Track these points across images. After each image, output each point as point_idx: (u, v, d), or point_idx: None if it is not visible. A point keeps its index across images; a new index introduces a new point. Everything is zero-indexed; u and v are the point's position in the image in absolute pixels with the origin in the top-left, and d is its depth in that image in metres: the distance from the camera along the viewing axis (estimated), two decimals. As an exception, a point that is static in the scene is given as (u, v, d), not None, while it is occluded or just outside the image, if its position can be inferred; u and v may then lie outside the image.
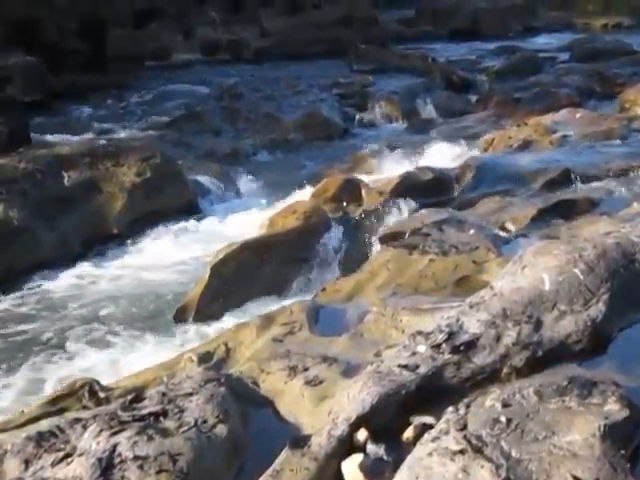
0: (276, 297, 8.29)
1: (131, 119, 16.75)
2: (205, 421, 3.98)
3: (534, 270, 4.44)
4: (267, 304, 7.92)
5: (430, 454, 3.35)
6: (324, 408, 4.12)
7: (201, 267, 8.97)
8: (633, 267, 4.47)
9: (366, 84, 19.72)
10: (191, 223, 11.23)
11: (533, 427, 3.38)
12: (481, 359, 3.97)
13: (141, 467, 3.70)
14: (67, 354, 7.87)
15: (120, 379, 5.41)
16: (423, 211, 8.49)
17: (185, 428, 3.93)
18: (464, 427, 3.45)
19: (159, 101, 18.51)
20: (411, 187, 9.54)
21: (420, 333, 4.27)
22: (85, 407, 4.83)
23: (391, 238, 7.64)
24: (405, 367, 3.98)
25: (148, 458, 3.74)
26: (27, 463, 3.94)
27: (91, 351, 7.85)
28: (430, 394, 3.87)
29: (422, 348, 4.11)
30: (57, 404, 4.92)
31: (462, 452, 3.29)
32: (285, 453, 3.77)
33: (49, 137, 14.41)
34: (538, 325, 4.09)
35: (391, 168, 11.89)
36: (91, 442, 3.90)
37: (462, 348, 4.03)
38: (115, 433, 3.92)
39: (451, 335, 4.11)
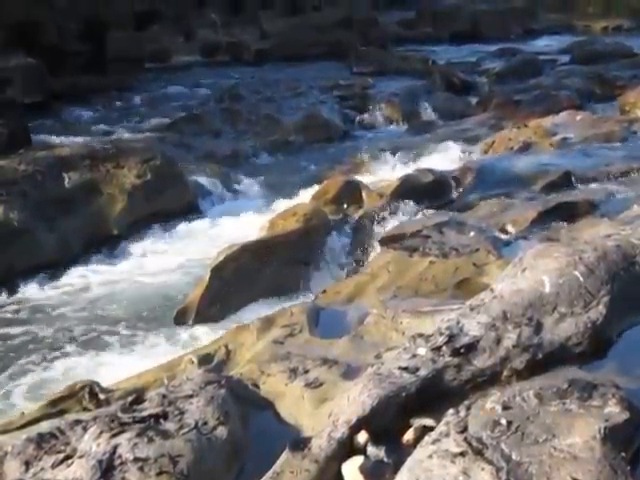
0: (276, 299, 8.29)
1: (131, 121, 16.75)
2: (205, 423, 3.98)
3: (534, 272, 4.44)
4: (267, 306, 7.92)
5: (430, 456, 3.36)
6: (324, 410, 4.12)
7: (201, 269, 8.97)
8: (633, 269, 4.47)
9: (366, 86, 19.72)
10: (191, 225, 11.22)
11: (533, 429, 3.39)
12: (481, 361, 3.97)
13: (141, 469, 3.70)
14: (67, 355, 7.87)
15: (120, 381, 5.41)
16: (423, 213, 8.51)
17: (185, 430, 3.93)
18: (464, 429, 3.45)
19: (159, 103, 18.52)
20: (411, 189, 9.54)
21: (420, 335, 4.28)
22: (85, 409, 4.83)
23: (391, 240, 7.64)
24: (405, 369, 3.99)
25: (148, 460, 3.74)
26: (27, 465, 3.95)
27: (91, 353, 7.85)
28: (430, 396, 3.87)
29: (422, 350, 4.11)
30: (57, 406, 4.92)
31: (462, 454, 3.29)
32: (285, 455, 3.77)
33: (49, 139, 14.39)
34: (538, 327, 4.09)
35: (391, 170, 11.91)
36: (91, 444, 3.90)
37: (462, 350, 4.03)
38: (115, 435, 3.92)
39: (451, 337, 4.11)
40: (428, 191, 9.57)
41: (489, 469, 3.20)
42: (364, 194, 9.93)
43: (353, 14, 26.79)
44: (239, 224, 10.87)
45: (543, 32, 29.64)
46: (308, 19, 26.61)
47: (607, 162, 10.16)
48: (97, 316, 8.77)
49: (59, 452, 3.96)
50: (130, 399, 4.32)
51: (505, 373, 3.93)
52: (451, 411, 3.62)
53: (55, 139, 14.41)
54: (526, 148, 11.85)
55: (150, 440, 3.85)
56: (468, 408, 3.62)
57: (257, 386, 4.64)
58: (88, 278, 9.84)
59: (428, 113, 17.43)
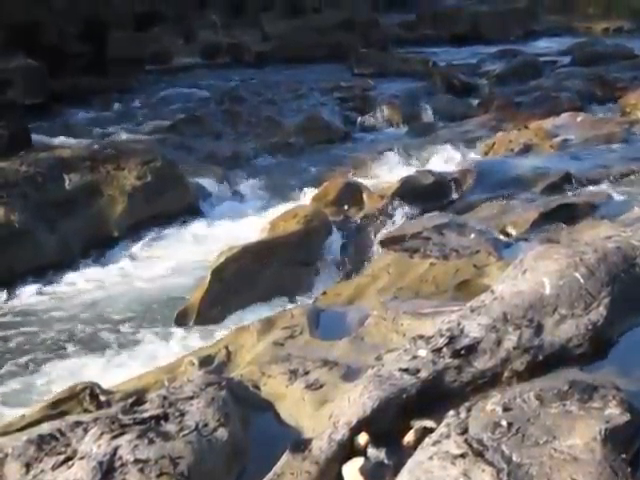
0: (277, 301, 8.30)
1: (132, 122, 16.75)
2: (206, 424, 3.98)
3: (535, 274, 4.44)
4: (268, 308, 7.94)
5: (431, 458, 3.36)
6: (325, 412, 4.12)
7: (202, 271, 8.97)
8: (634, 271, 4.47)
9: (367, 88, 19.72)
10: (192, 226, 11.23)
11: (534, 431, 3.39)
12: (482, 363, 3.97)
13: (142, 470, 3.70)
14: (67, 357, 7.87)
15: (121, 382, 5.41)
16: (424, 215, 8.51)
17: (186, 431, 3.93)
18: (465, 431, 3.45)
19: (160, 104, 18.53)
20: (412, 191, 9.55)
21: (421, 337, 4.28)
22: (86, 410, 4.83)
23: (392, 242, 7.65)
24: (406, 371, 3.98)
25: (149, 461, 3.74)
26: (28, 466, 3.94)
27: (91, 354, 7.85)
28: (431, 398, 3.87)
29: (423, 352, 4.11)
30: (58, 407, 4.92)
31: (463, 456, 3.29)
32: (286, 457, 3.77)
33: (50, 140, 14.40)
34: (539, 329, 4.09)
35: (392, 172, 11.90)
36: (92, 445, 3.90)
37: (463, 352, 4.03)
38: (116, 436, 3.92)
39: (452, 339, 4.11)
40: (428, 193, 9.58)
41: (489, 470, 3.20)
42: (365, 196, 9.93)
43: (354, 16, 26.77)
44: (240, 226, 10.88)
45: (543, 33, 29.63)
46: (309, 21, 26.61)
47: (608, 164, 10.18)
48: (97, 317, 8.77)
49: (60, 454, 3.96)
50: (131, 401, 4.32)
51: (506, 374, 3.93)
52: (451, 413, 3.62)
53: (55, 140, 14.42)
54: (527, 150, 11.86)
55: (151, 442, 3.85)
56: (469, 410, 3.62)
57: (257, 388, 4.63)
58: (88, 279, 9.84)
59: (429, 115, 17.42)
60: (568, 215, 8.03)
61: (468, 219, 8.07)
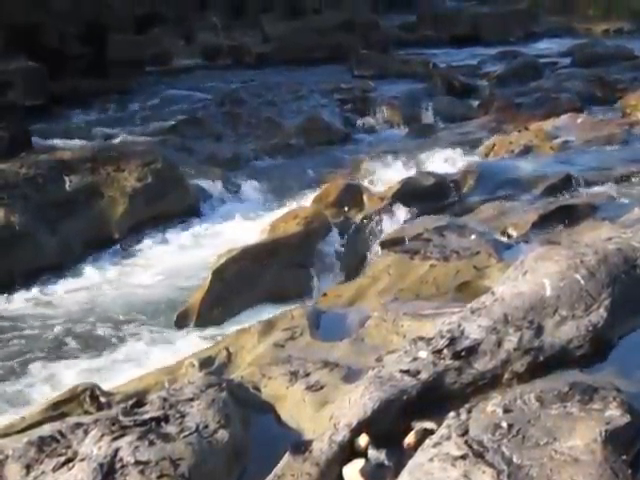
0: (277, 302, 8.29)
1: (132, 124, 16.74)
2: (206, 426, 3.98)
3: (535, 275, 4.44)
4: (268, 309, 7.93)
5: (431, 459, 3.35)
6: (325, 413, 4.12)
7: (202, 272, 8.98)
8: (634, 273, 4.47)
9: (367, 89, 19.69)
10: (192, 228, 11.24)
11: (534, 432, 3.38)
12: (482, 364, 3.97)
13: (142, 472, 3.70)
14: (67, 358, 7.88)
15: (121, 384, 5.41)
16: (424, 216, 8.50)
17: (186, 433, 3.93)
18: (465, 432, 3.45)
19: (160, 106, 18.51)
20: (412, 192, 9.55)
21: (421, 338, 4.27)
22: (86, 412, 4.83)
23: (392, 243, 7.65)
24: (406, 372, 3.98)
25: (149, 463, 3.74)
26: (28, 468, 3.95)
27: (92, 355, 7.86)
28: (431, 399, 3.87)
29: (423, 353, 4.11)
30: (58, 409, 4.92)
31: (463, 457, 3.29)
32: (286, 458, 3.77)
33: (50, 142, 14.39)
34: (539, 330, 4.09)
35: (392, 173, 11.90)
36: (92, 447, 3.90)
37: (463, 354, 4.03)
38: (116, 438, 3.92)
39: (452, 340, 4.11)
40: (429, 194, 9.58)
41: (490, 472, 3.20)
42: (365, 197, 9.94)
43: (354, 17, 26.76)
44: (240, 227, 10.89)
45: (544, 35, 29.62)
46: (309, 22, 26.58)
47: (608, 165, 10.18)
48: (97, 319, 8.77)
49: (60, 455, 3.96)
50: (131, 402, 4.32)
51: (506, 376, 3.93)
52: (452, 414, 3.62)
53: (56, 142, 14.40)
54: (527, 151, 11.86)
55: (151, 443, 3.85)
56: (469, 411, 3.62)
57: (258, 389, 4.64)
58: (89, 281, 9.85)
59: (429, 116, 17.43)
60: (568, 216, 8.02)
61: (468, 220, 8.07)
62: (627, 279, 4.40)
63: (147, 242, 10.83)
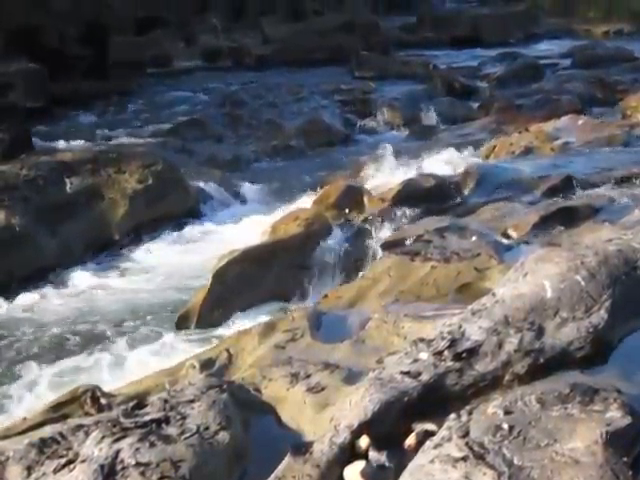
0: (278, 304, 8.30)
1: (133, 126, 16.75)
2: (207, 428, 3.98)
3: (536, 277, 4.44)
4: (269, 311, 7.94)
5: (432, 461, 3.35)
6: (326, 415, 4.12)
7: (203, 274, 8.98)
8: (635, 274, 4.47)
9: (368, 91, 19.70)
10: (193, 229, 11.24)
11: (535, 434, 3.38)
12: (483, 366, 3.97)
13: (143, 474, 3.70)
14: (68, 360, 7.88)
15: (122, 386, 5.41)
16: (425, 218, 8.50)
17: (187, 435, 3.93)
18: (466, 434, 3.45)
19: (161, 108, 18.52)
20: (413, 194, 9.54)
21: (422, 340, 4.27)
22: (87, 413, 4.84)
23: (393, 245, 7.65)
24: (407, 374, 3.99)
25: (150, 464, 3.74)
26: (29, 470, 3.95)
27: (92, 357, 7.85)
28: (432, 401, 3.87)
29: (424, 355, 4.11)
30: (59, 410, 4.92)
31: (464, 459, 3.29)
32: (287, 460, 3.77)
33: (51, 144, 14.41)
34: (540, 332, 4.09)
35: (393, 175, 11.89)
36: (93, 448, 3.90)
37: (464, 355, 4.03)
38: (117, 439, 3.92)
39: (453, 342, 4.11)
40: (429, 196, 9.57)
41: (491, 474, 3.19)
42: (365, 199, 9.93)
43: (354, 19, 26.76)
44: (241, 229, 10.89)
45: (544, 36, 29.60)
46: (310, 24, 26.59)
47: (608, 166, 10.16)
48: (98, 320, 8.78)
49: (61, 457, 3.96)
50: (132, 404, 4.32)
51: (507, 378, 3.93)
52: (453, 416, 3.62)
53: (57, 144, 14.42)
54: (527, 152, 11.85)
55: (152, 445, 3.86)
56: (470, 413, 3.62)
57: (259, 391, 4.64)
58: (89, 283, 9.85)
59: (429, 118, 17.42)
60: (569, 218, 8.01)
61: (469, 222, 8.06)
62: (628, 280, 4.40)
63: (147, 244, 10.84)
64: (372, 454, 3.70)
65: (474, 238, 7.28)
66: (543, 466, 3.21)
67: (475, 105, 18.26)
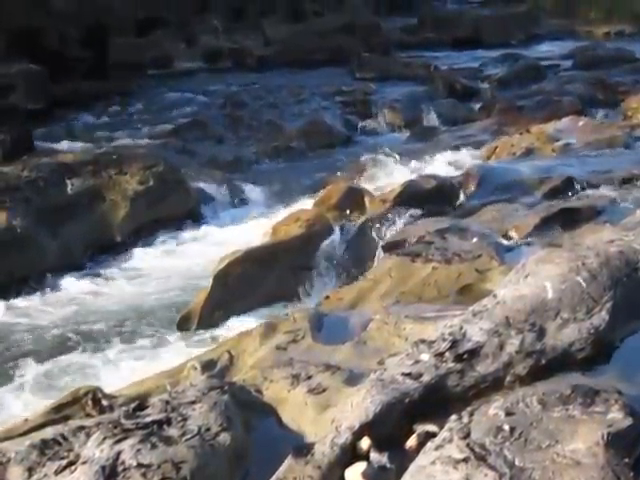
0: (279, 305, 8.30)
1: (133, 127, 16.73)
2: (208, 429, 3.98)
3: (537, 278, 4.44)
4: (270, 312, 7.94)
5: (433, 462, 3.36)
6: (327, 416, 4.12)
7: (204, 275, 8.98)
8: (636, 275, 4.47)
9: (369, 92, 19.68)
10: (194, 231, 11.24)
11: (536, 435, 3.38)
12: (484, 367, 3.97)
13: (144, 475, 3.70)
14: (68, 361, 7.88)
15: (123, 387, 5.41)
16: (426, 219, 8.50)
17: (188, 436, 3.93)
18: (467, 435, 3.45)
19: (161, 109, 18.50)
20: (414, 195, 9.53)
21: (423, 341, 4.27)
22: (88, 415, 4.84)
23: (394, 246, 7.65)
24: (408, 375, 3.99)
25: (151, 466, 3.74)
26: (30, 471, 3.95)
27: (93, 358, 7.85)
28: (433, 402, 3.87)
29: (425, 356, 4.11)
30: (60, 412, 4.92)
31: (465, 460, 3.29)
32: (288, 461, 3.77)
33: (52, 145, 14.40)
34: (541, 333, 4.09)
35: (394, 176, 11.90)
36: (94, 450, 3.90)
37: (465, 356, 4.03)
38: (118, 441, 3.92)
39: (454, 343, 4.11)
40: (431, 197, 9.57)
41: (492, 475, 3.20)
42: (366, 200, 9.93)
43: (355, 20, 26.74)
44: (242, 230, 10.89)
45: (545, 37, 29.57)
46: (310, 25, 26.56)
47: (610, 168, 10.15)
48: (99, 322, 8.77)
49: (62, 458, 3.96)
50: (133, 405, 4.32)
51: (508, 379, 3.93)
52: (454, 417, 3.62)
53: (58, 145, 14.41)
54: (528, 154, 11.85)
55: (153, 446, 3.86)
56: (471, 414, 3.62)
57: (260, 392, 4.64)
58: (91, 284, 9.85)
59: (430, 119, 17.41)
60: (570, 219, 8.01)
61: (470, 223, 8.06)
62: (629, 282, 4.40)
63: (148, 245, 10.83)
64: (373, 455, 3.70)
65: (475, 239, 7.28)
66: (544, 467, 3.21)
67: (476, 106, 18.24)
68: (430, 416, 3.81)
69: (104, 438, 3.96)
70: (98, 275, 10.09)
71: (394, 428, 3.80)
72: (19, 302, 9.43)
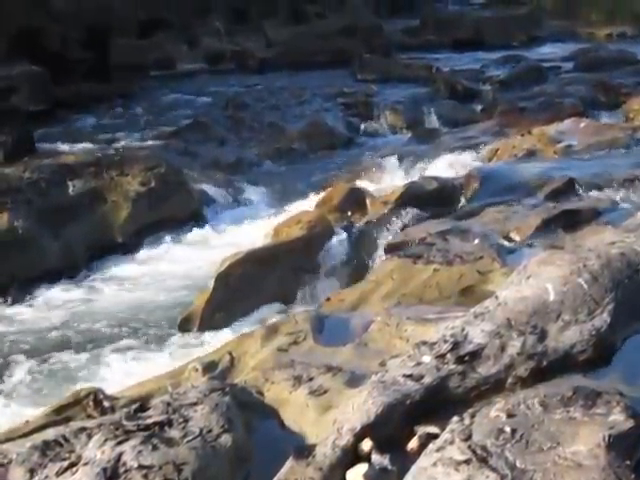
0: (281, 307, 8.31)
1: (135, 128, 16.73)
2: (210, 430, 3.98)
3: (538, 280, 4.43)
4: (271, 314, 7.94)
5: (435, 464, 3.35)
6: (328, 418, 4.12)
7: (206, 276, 8.98)
8: (638, 277, 4.46)
9: (370, 94, 19.68)
10: (196, 232, 11.24)
11: (538, 437, 3.38)
12: (486, 369, 3.97)
13: (146, 476, 3.70)
14: (70, 363, 7.88)
15: (125, 388, 5.41)
16: (427, 221, 8.50)
17: (190, 437, 3.93)
18: (469, 437, 3.44)
19: (163, 110, 18.52)
20: (415, 197, 9.53)
21: (425, 343, 4.27)
22: (90, 416, 4.84)
23: (395, 248, 7.65)
24: (410, 377, 3.98)
25: (153, 467, 3.74)
26: (32, 472, 3.95)
27: (95, 360, 7.86)
28: (435, 404, 3.87)
29: (427, 358, 4.11)
30: (62, 413, 4.92)
31: (467, 462, 3.29)
32: (289, 463, 3.77)
33: (54, 146, 14.41)
34: (543, 335, 4.09)
35: (395, 178, 11.90)
36: (96, 451, 3.90)
37: (467, 358, 4.03)
38: (120, 442, 3.92)
39: (456, 345, 4.11)
40: (432, 198, 9.56)
41: (493, 477, 3.19)
42: (368, 201, 9.93)
43: (357, 22, 26.74)
44: (243, 232, 10.89)
45: (547, 39, 29.55)
46: (312, 27, 26.56)
47: (611, 169, 10.14)
48: (100, 323, 8.78)
49: (64, 460, 3.96)
50: (134, 407, 4.32)
51: (509, 381, 3.93)
52: (455, 419, 3.62)
53: (59, 147, 14.43)
54: (530, 155, 11.83)
55: (154, 448, 3.86)
56: (472, 416, 3.61)
57: (261, 394, 4.64)
58: (92, 285, 9.85)
59: (432, 120, 17.41)
60: (572, 221, 8.01)
61: (472, 225, 8.06)
62: (630, 283, 4.40)
63: (150, 247, 10.84)
64: (375, 457, 3.70)
65: (477, 241, 7.29)
66: (546, 469, 3.21)
67: (478, 108, 18.24)
68: (431, 418, 3.81)
69: (105, 439, 3.96)
70: (99, 276, 10.09)
71: (395, 430, 3.80)
72: (19, 303, 9.43)
